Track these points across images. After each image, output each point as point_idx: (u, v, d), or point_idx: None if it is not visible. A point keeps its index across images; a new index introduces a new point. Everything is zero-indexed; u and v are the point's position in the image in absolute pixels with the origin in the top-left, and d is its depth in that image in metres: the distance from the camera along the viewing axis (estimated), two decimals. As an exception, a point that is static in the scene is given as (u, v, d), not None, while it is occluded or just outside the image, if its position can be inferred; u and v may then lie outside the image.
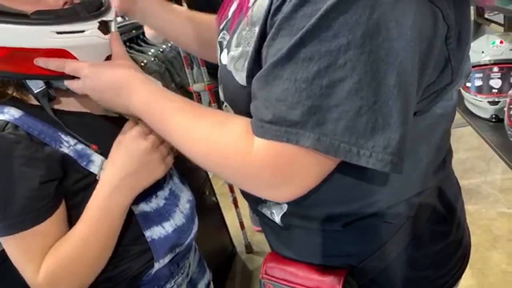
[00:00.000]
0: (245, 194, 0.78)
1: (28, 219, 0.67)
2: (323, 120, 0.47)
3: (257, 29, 0.56)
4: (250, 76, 0.58)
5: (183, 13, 0.94)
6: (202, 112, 0.59)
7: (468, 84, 1.61)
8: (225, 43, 0.68)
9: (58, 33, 0.64)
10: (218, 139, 0.55)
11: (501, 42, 1.59)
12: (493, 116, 1.55)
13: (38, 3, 0.64)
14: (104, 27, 0.70)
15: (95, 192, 0.72)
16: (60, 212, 0.71)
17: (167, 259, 0.82)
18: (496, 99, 1.54)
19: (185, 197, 0.89)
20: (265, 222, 0.78)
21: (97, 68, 0.67)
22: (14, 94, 0.71)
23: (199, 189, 1.80)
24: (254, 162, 0.52)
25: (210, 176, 1.97)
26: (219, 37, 0.72)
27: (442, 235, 0.72)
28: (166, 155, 0.76)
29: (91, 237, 0.71)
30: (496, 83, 1.54)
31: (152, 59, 2.72)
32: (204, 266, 1.03)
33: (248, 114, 0.57)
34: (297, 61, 0.47)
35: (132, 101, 0.64)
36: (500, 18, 2.29)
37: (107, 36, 0.70)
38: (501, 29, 2.22)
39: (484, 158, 2.54)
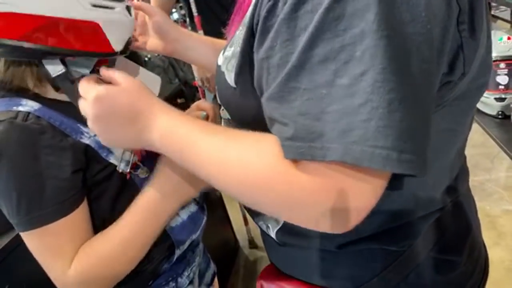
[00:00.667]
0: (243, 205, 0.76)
1: (56, 211, 0.67)
2: (350, 126, 0.40)
3: (245, 28, 0.53)
4: (238, 76, 0.55)
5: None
6: (233, 133, 0.53)
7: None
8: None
9: (94, 5, 0.64)
10: (258, 161, 0.47)
11: (508, 38, 1.58)
12: (500, 112, 1.55)
13: None
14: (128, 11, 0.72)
15: (144, 194, 0.72)
16: (85, 205, 0.71)
17: (186, 245, 0.84)
18: (503, 96, 1.53)
19: None
20: (263, 234, 0.75)
21: (112, 93, 0.58)
22: (36, 90, 0.71)
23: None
24: (304, 186, 0.44)
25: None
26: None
27: (449, 265, 0.66)
28: None
29: (134, 238, 0.71)
30: (503, 79, 1.53)
31: (156, 54, 2.72)
32: (208, 258, 1.04)
33: (240, 117, 0.54)
34: (312, 66, 0.42)
35: (152, 127, 0.57)
36: (506, 14, 2.27)
37: (131, 18, 0.72)
38: (508, 25, 2.21)
39: (489, 155, 2.53)
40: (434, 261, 0.64)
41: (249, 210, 0.73)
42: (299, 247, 0.66)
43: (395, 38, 0.40)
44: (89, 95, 0.58)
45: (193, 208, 0.85)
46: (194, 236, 0.85)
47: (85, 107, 0.59)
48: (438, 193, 0.62)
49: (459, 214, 0.67)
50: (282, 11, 0.44)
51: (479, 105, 1.64)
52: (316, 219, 0.46)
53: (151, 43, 0.86)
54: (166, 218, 0.73)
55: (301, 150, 0.42)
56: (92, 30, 0.65)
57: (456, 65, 0.49)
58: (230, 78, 0.57)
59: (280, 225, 0.65)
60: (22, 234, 0.68)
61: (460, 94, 0.53)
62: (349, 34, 0.40)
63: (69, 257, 0.68)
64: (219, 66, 0.63)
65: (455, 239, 0.66)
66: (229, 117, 0.64)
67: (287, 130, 0.44)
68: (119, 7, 0.68)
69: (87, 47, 0.66)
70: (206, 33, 1.53)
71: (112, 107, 0.58)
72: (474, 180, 2.34)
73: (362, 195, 0.43)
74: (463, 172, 0.68)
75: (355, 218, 0.45)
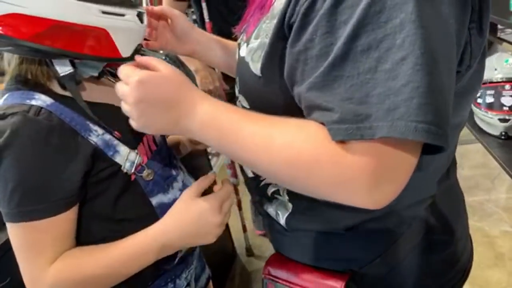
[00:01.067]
0: (252, 192, 0.79)
1: (47, 209, 0.67)
2: (394, 105, 0.44)
3: (274, 21, 0.56)
4: (264, 66, 0.59)
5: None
6: (275, 119, 0.55)
7: (479, 101, 1.61)
8: (242, 43, 0.71)
9: (103, 12, 0.65)
10: (304, 143, 0.50)
11: (514, 60, 1.59)
12: (503, 133, 1.56)
13: None
14: (139, 17, 0.73)
15: (147, 232, 0.73)
16: (76, 208, 0.71)
17: (187, 247, 0.84)
18: (507, 117, 1.54)
19: None
20: (269, 223, 0.78)
21: (155, 78, 0.60)
22: (48, 86, 0.72)
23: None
24: (351, 164, 0.47)
25: (216, 172, 1.97)
26: (239, 39, 0.75)
27: (443, 244, 0.72)
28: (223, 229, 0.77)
29: (121, 268, 0.72)
30: (507, 101, 1.55)
31: (163, 57, 2.74)
32: (203, 262, 1.05)
33: (261, 105, 0.59)
34: (355, 55, 0.46)
35: (193, 114, 0.58)
36: (513, 37, 2.28)
37: (142, 25, 0.73)
38: (514, 48, 2.22)
39: (489, 176, 2.53)
40: (430, 240, 0.69)
41: (256, 199, 0.77)
42: (307, 232, 0.71)
43: (429, 28, 0.45)
44: (132, 78, 0.59)
45: None
46: None
47: (126, 90, 0.60)
48: (436, 179, 0.68)
49: (451, 199, 0.74)
50: (323, 6, 0.48)
51: (482, 125, 1.65)
52: (361, 195, 0.49)
53: (172, 44, 0.89)
54: (161, 256, 0.74)
55: (349, 131, 0.46)
56: (100, 36, 0.67)
57: (464, 58, 0.55)
58: (256, 67, 0.61)
59: (290, 210, 0.69)
60: (8, 225, 0.68)
61: (462, 88, 0.58)
62: (389, 25, 0.45)
63: (49, 258, 0.69)
64: (242, 57, 0.66)
65: (447, 220, 0.72)
66: (248, 106, 0.67)
67: (332, 115, 0.47)
68: (130, 15, 0.69)
69: (94, 52, 0.68)
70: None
71: (155, 91, 0.59)
72: (474, 200, 2.33)
73: (401, 170, 0.48)
74: (453, 163, 0.75)
75: (394, 192, 0.49)
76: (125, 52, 0.71)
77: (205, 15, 1.75)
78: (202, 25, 1.83)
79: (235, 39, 0.87)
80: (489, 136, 1.62)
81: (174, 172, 0.85)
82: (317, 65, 0.49)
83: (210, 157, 2.19)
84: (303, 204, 0.68)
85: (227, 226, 2.14)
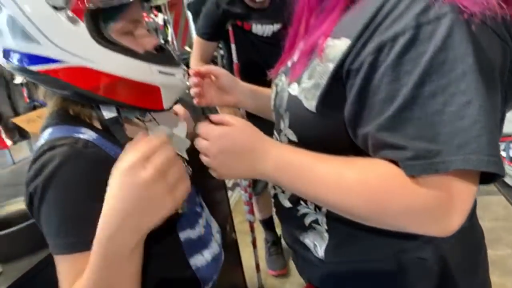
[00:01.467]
0: (287, 223, 0.82)
1: (90, 241, 0.63)
2: (464, 141, 0.51)
3: (330, 65, 0.62)
4: (320, 104, 0.65)
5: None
6: (343, 158, 0.61)
7: (503, 154, 1.60)
8: (280, 84, 0.77)
9: (160, 72, 0.73)
10: (377, 179, 0.57)
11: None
12: (526, 188, 1.53)
13: (136, 44, 0.73)
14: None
15: (96, 234, 0.59)
16: None
17: (210, 284, 0.85)
18: (531, 172, 1.52)
19: (215, 227, 0.92)
20: (303, 255, 0.81)
21: (231, 131, 0.67)
22: (90, 121, 0.75)
23: (220, 224, 1.80)
24: (425, 197, 0.54)
25: (232, 204, 1.96)
26: (276, 80, 0.82)
27: (471, 271, 0.75)
28: (174, 184, 0.58)
29: (100, 284, 0.62)
30: (531, 155, 1.53)
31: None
32: None
33: (310, 139, 0.67)
34: (423, 99, 0.53)
35: (266, 159, 0.65)
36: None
37: (185, 81, 0.80)
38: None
39: (511, 230, 2.46)
40: (458, 269, 0.73)
41: (293, 230, 0.80)
42: (343, 263, 0.75)
43: (486, 77, 0.52)
44: (213, 133, 0.67)
45: (216, 249, 0.87)
46: (215, 276, 0.87)
47: (206, 144, 0.67)
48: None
49: (473, 235, 0.78)
50: (388, 58, 0.55)
51: (505, 178, 1.63)
52: (434, 224, 0.56)
53: (218, 99, 1.00)
54: (125, 256, 0.60)
55: (425, 166, 0.53)
56: (152, 91, 0.73)
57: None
58: (310, 105, 0.66)
59: (327, 241, 0.74)
60: (53, 255, 0.68)
61: None
62: (453, 74, 0.52)
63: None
64: (294, 96, 0.71)
65: (473, 247, 0.77)
66: (296, 140, 0.73)
67: (406, 153, 0.54)
68: (179, 74, 0.76)
69: (142, 104, 0.73)
70: (242, 78, 1.60)
71: (232, 143, 0.66)
72: (496, 255, 2.26)
73: (466, 199, 0.54)
74: (475, 202, 0.79)
75: (461, 220, 0.55)
76: (167, 105, 0.77)
77: (234, 56, 1.82)
78: (229, 65, 1.89)
79: (262, 80, 0.95)
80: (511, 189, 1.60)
81: (198, 209, 0.87)
82: (384, 108, 0.56)
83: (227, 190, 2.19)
84: (342, 233, 0.72)
85: (240, 264, 2.11)
